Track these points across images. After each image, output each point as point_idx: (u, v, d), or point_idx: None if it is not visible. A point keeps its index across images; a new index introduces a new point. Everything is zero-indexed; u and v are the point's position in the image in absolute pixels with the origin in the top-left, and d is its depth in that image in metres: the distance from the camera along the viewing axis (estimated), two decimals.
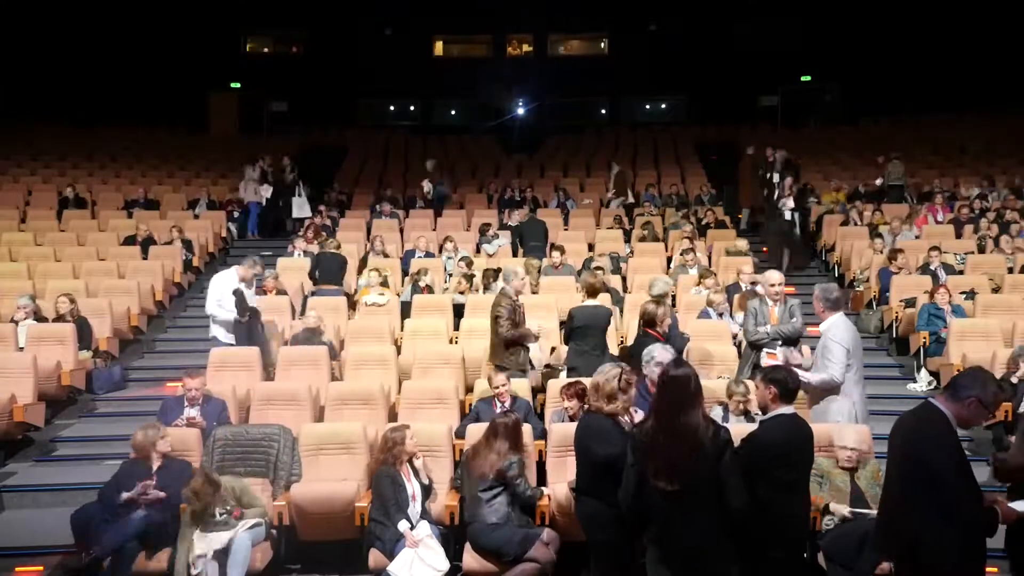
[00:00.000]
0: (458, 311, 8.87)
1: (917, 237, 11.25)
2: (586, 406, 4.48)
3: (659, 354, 5.16)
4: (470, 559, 4.92)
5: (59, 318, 8.36)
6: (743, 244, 11.09)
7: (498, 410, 5.89)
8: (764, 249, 12.37)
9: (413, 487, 5.15)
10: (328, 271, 9.69)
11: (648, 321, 6.07)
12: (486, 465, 4.99)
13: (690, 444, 3.51)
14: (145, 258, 11.17)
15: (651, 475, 3.56)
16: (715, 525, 3.52)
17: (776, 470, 3.72)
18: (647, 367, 5.18)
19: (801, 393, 4.95)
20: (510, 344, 6.62)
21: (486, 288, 9.28)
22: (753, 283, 8.78)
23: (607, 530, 4.03)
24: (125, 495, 5.05)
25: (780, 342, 6.20)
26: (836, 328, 5.36)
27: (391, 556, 4.88)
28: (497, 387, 6.05)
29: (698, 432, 3.52)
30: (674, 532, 3.56)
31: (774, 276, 6.54)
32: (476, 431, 5.48)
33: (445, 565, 4.91)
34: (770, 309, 6.34)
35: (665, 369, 3.80)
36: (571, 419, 5.81)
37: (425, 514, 5.15)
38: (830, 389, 5.34)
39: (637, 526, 3.75)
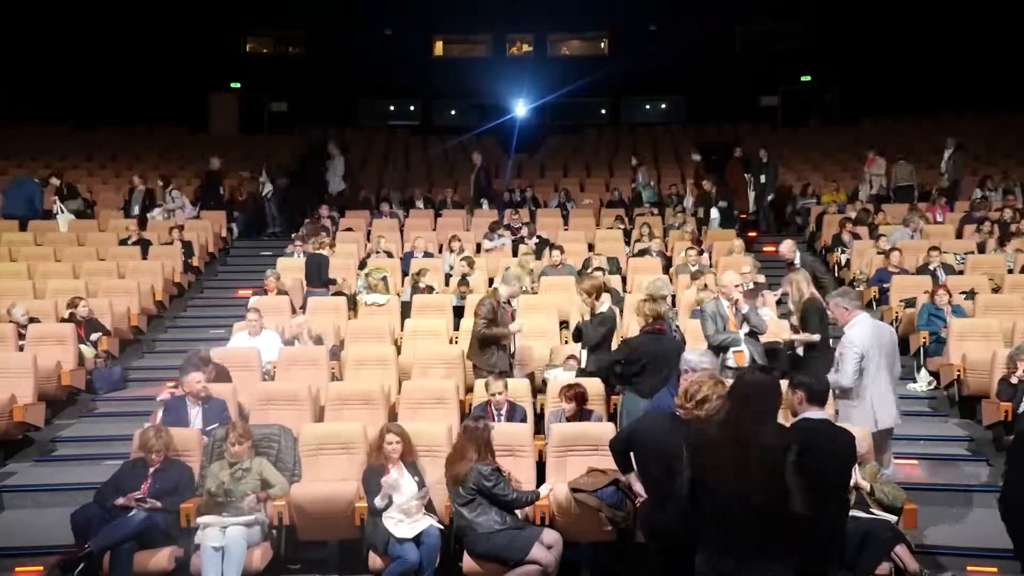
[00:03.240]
0: (458, 311, 8.88)
1: (912, 236, 11.25)
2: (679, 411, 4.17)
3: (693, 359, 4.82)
4: (471, 562, 4.91)
5: (76, 321, 8.39)
6: (738, 245, 11.09)
7: (493, 417, 5.88)
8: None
9: (405, 481, 5.13)
10: (308, 273, 9.76)
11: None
12: (460, 471, 4.93)
13: (761, 452, 3.38)
14: (145, 258, 11.18)
15: (718, 478, 3.42)
16: (773, 533, 3.37)
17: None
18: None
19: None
20: (485, 343, 6.63)
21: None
22: (756, 283, 8.78)
23: None
24: (120, 500, 5.06)
25: (743, 338, 6.24)
26: (853, 329, 5.34)
27: (387, 556, 4.88)
28: (493, 394, 6.01)
29: (770, 440, 3.41)
30: (730, 539, 3.41)
31: (729, 277, 6.60)
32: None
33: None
34: (728, 310, 6.33)
35: (743, 374, 3.75)
36: (568, 420, 5.81)
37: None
38: (845, 393, 5.34)
39: (689, 525, 3.60)
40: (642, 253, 11.03)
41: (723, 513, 3.42)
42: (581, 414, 5.85)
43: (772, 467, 3.38)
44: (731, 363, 6.15)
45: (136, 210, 13.13)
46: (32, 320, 8.44)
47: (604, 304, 6.64)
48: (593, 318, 6.62)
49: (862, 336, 5.29)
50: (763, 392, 3.52)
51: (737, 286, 6.42)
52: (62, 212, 12.88)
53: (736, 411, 3.53)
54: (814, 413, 3.79)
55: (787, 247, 8.68)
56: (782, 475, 3.38)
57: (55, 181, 13.33)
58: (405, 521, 4.98)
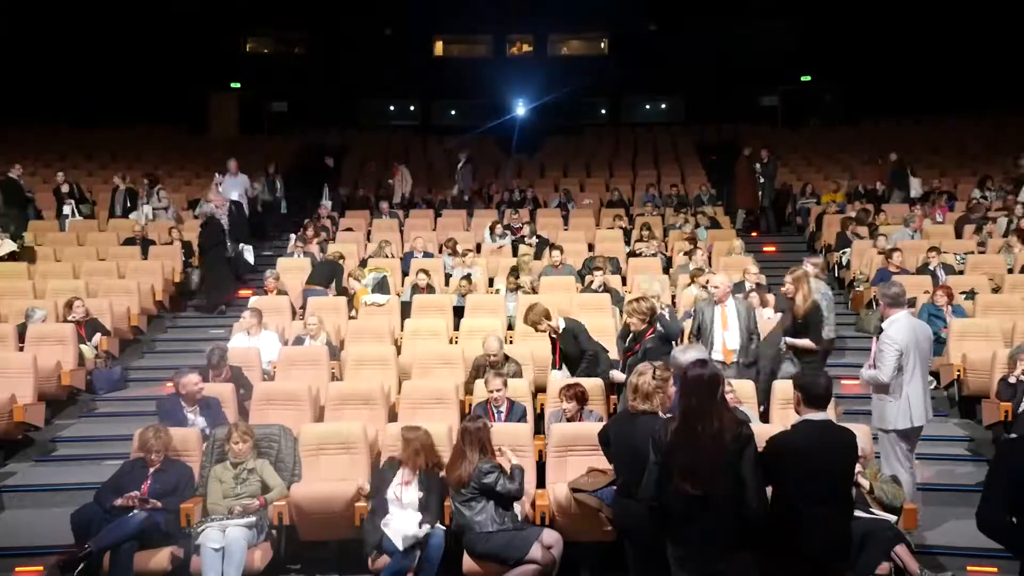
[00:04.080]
0: (458, 311, 8.88)
1: (912, 236, 11.24)
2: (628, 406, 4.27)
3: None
4: (470, 562, 4.91)
5: (75, 321, 8.38)
6: (738, 245, 11.10)
7: (493, 415, 5.89)
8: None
9: (409, 490, 5.14)
10: (314, 275, 9.76)
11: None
12: (463, 474, 4.94)
13: (712, 447, 3.48)
14: (145, 258, 11.17)
15: (675, 477, 3.53)
16: (735, 529, 3.49)
17: (793, 477, 3.64)
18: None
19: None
20: None
21: (515, 289, 9.33)
22: (758, 284, 8.79)
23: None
24: (118, 501, 5.06)
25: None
26: (893, 327, 5.33)
27: (387, 555, 4.89)
28: (492, 391, 6.02)
29: (721, 435, 3.50)
30: (694, 534, 3.54)
31: (718, 279, 6.65)
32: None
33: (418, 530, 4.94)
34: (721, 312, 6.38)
35: (686, 369, 3.76)
36: (568, 420, 5.81)
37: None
38: (880, 388, 5.35)
39: (659, 522, 3.71)
40: (638, 253, 11.02)
41: (683, 507, 3.52)
42: (581, 414, 5.85)
43: (722, 461, 3.48)
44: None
45: (118, 210, 13.04)
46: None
47: (558, 320, 6.60)
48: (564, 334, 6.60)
49: (901, 333, 5.29)
50: (701, 386, 3.60)
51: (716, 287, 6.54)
52: (74, 215, 12.87)
53: (684, 406, 3.63)
54: (814, 415, 3.78)
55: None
56: (734, 469, 3.47)
57: (61, 178, 13.24)
58: (407, 523, 4.97)
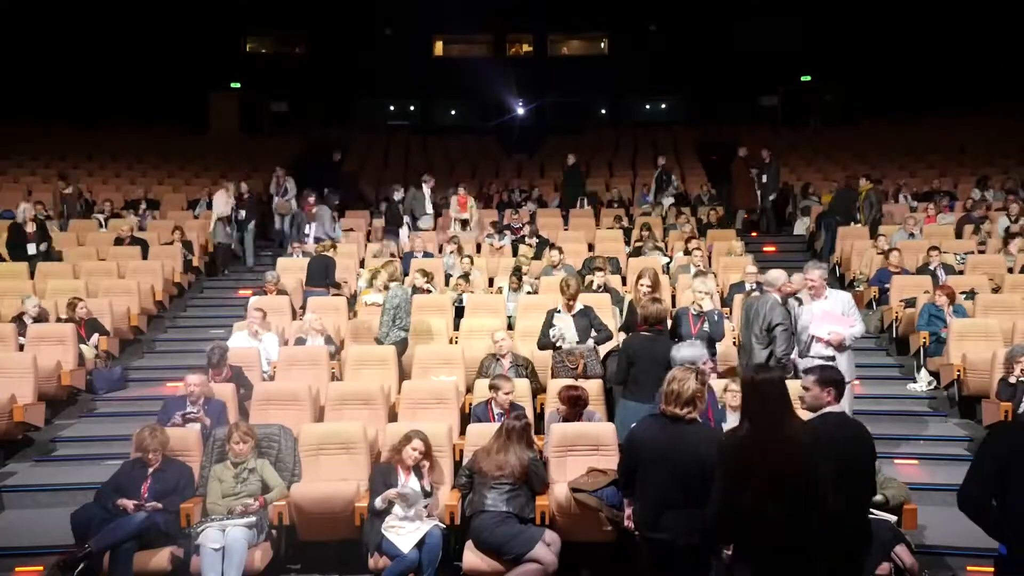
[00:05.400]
0: (458, 311, 8.87)
1: (912, 236, 11.23)
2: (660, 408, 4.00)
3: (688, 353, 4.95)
4: (471, 557, 4.93)
5: (76, 321, 8.37)
6: (738, 245, 11.09)
7: (493, 416, 5.89)
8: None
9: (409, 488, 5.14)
10: (311, 274, 9.76)
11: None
12: (509, 466, 5.04)
13: (791, 460, 3.29)
14: (145, 258, 11.17)
15: (752, 495, 3.29)
16: (809, 540, 3.31)
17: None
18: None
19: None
20: None
21: (517, 289, 9.37)
22: (758, 283, 8.77)
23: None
24: (120, 501, 5.07)
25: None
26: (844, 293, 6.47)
27: (387, 556, 4.89)
28: (505, 392, 5.96)
29: (799, 445, 3.31)
30: (773, 550, 3.33)
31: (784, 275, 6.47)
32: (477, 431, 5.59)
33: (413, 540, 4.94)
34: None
35: (751, 374, 3.64)
36: (564, 420, 5.78)
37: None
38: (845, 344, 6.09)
39: (725, 537, 3.55)
40: (637, 253, 11.04)
41: (759, 523, 3.32)
42: (577, 416, 5.80)
43: (801, 473, 3.32)
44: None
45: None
46: (38, 320, 8.47)
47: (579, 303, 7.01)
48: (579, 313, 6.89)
49: None
50: (771, 391, 3.47)
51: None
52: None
53: (756, 416, 3.44)
54: (835, 407, 3.78)
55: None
56: (813, 474, 3.32)
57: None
58: (407, 528, 4.97)
